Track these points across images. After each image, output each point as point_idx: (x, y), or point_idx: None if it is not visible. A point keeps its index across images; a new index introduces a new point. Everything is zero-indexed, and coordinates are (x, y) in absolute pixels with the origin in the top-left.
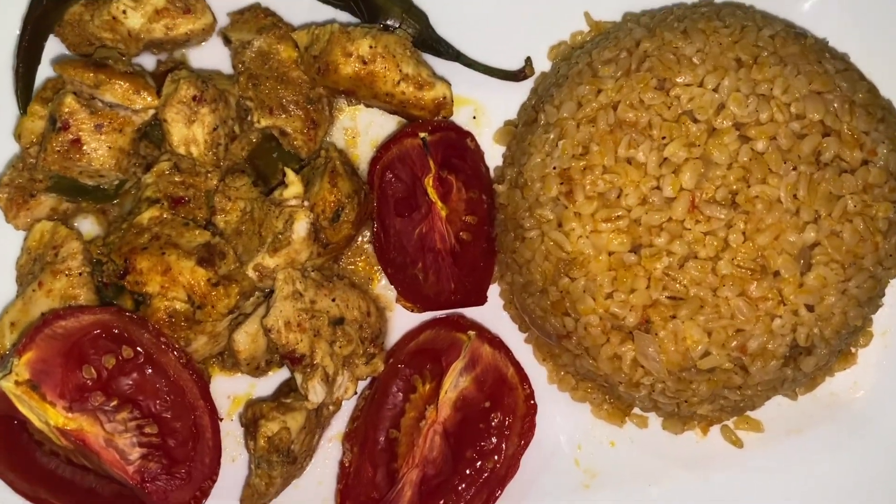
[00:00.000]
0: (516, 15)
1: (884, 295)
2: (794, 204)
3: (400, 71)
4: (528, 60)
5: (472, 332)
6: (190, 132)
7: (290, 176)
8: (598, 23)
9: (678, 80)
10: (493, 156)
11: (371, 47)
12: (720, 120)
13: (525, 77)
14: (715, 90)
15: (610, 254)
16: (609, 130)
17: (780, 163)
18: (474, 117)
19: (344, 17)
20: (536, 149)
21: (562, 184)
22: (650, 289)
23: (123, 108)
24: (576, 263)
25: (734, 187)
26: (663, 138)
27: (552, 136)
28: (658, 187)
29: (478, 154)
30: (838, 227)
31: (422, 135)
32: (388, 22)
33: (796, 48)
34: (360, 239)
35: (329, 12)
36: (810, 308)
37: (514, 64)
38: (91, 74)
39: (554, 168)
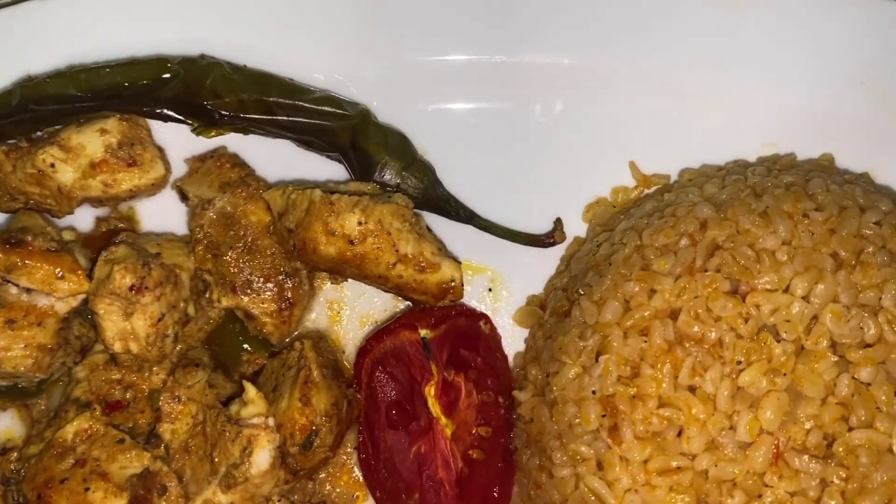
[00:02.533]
0: (544, 166)
1: None
2: None
3: (396, 251)
4: (558, 223)
5: None
6: (128, 325)
7: (250, 392)
8: (646, 177)
9: (758, 283)
10: (515, 337)
11: (361, 223)
12: (812, 339)
13: (554, 243)
14: (805, 298)
15: None
16: (666, 348)
17: (892, 398)
18: (490, 289)
19: (331, 169)
20: (570, 357)
21: (604, 415)
22: None
23: (44, 296)
24: None
25: (830, 430)
26: (738, 361)
27: (590, 345)
28: (731, 428)
29: (493, 340)
30: None
31: (422, 333)
32: (386, 178)
33: None
34: (341, 450)
35: (313, 163)
36: None
37: (541, 226)
38: (1, 256)
39: (594, 392)
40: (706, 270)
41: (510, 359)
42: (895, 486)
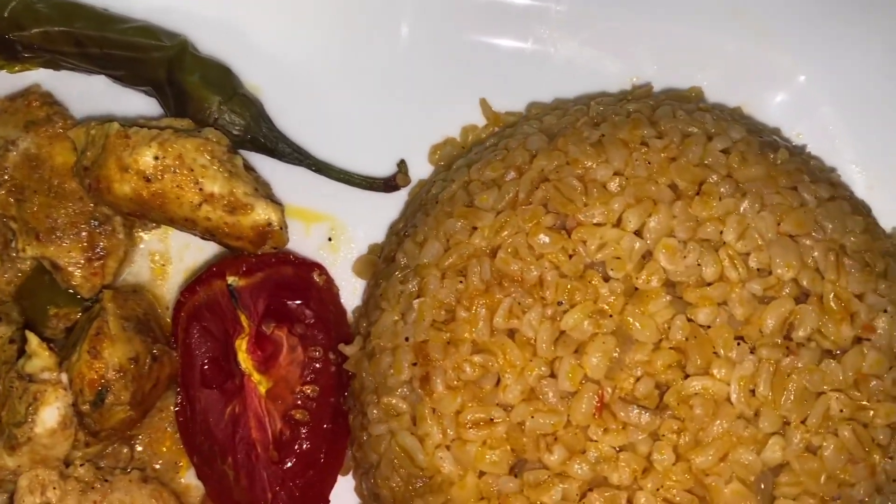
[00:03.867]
0: (390, 104)
1: None
2: (750, 405)
3: (200, 190)
4: (402, 165)
5: None
6: None
7: (32, 342)
8: (497, 115)
9: (584, 217)
10: (358, 290)
11: (157, 158)
12: (644, 277)
13: (397, 187)
14: (638, 233)
15: (480, 475)
16: (483, 288)
17: (732, 343)
18: (330, 239)
19: (154, 106)
20: (389, 303)
21: (415, 364)
22: None
23: None
24: (433, 485)
25: (662, 378)
26: (559, 303)
27: (409, 289)
28: (552, 375)
29: (328, 293)
30: (816, 440)
31: (229, 280)
32: (203, 114)
33: (761, 169)
34: (164, 413)
35: (133, 100)
36: None
37: (389, 169)
38: None
39: (407, 339)
40: (530, 204)
41: (349, 313)
42: (733, 439)
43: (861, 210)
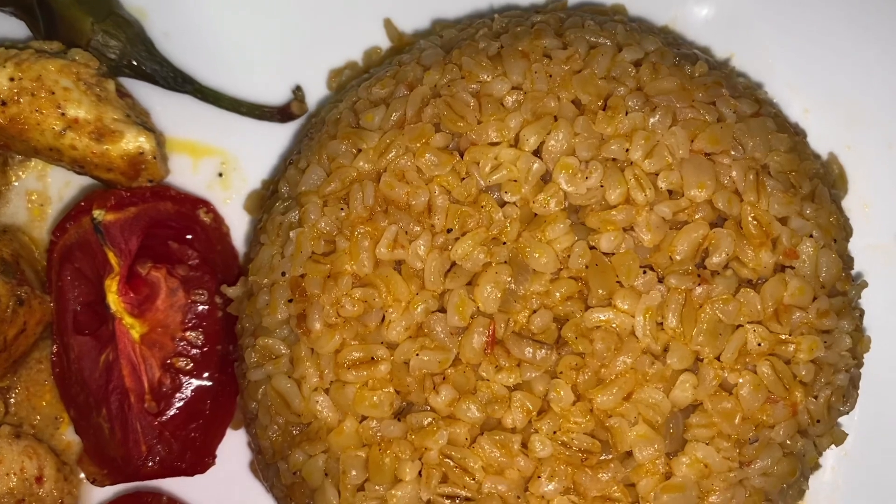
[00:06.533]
0: (288, 26)
1: (807, 485)
2: (658, 340)
3: (63, 115)
4: (299, 92)
5: None
6: None
7: None
8: (402, 36)
9: (476, 136)
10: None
11: (13, 80)
12: (542, 200)
13: (293, 116)
14: (537, 153)
15: (361, 419)
16: (367, 216)
17: (637, 271)
18: (221, 174)
19: (18, 28)
20: (269, 237)
21: (291, 300)
22: (422, 481)
23: None
24: (310, 432)
25: (561, 311)
26: (449, 230)
27: (289, 219)
28: (441, 310)
29: (216, 234)
30: (732, 377)
31: (95, 213)
32: (74, 36)
33: (674, 81)
34: (43, 364)
35: (2, 24)
36: None
37: (283, 96)
38: None
39: (283, 274)
40: (419, 122)
41: (242, 254)
42: (638, 376)
43: (788, 128)
